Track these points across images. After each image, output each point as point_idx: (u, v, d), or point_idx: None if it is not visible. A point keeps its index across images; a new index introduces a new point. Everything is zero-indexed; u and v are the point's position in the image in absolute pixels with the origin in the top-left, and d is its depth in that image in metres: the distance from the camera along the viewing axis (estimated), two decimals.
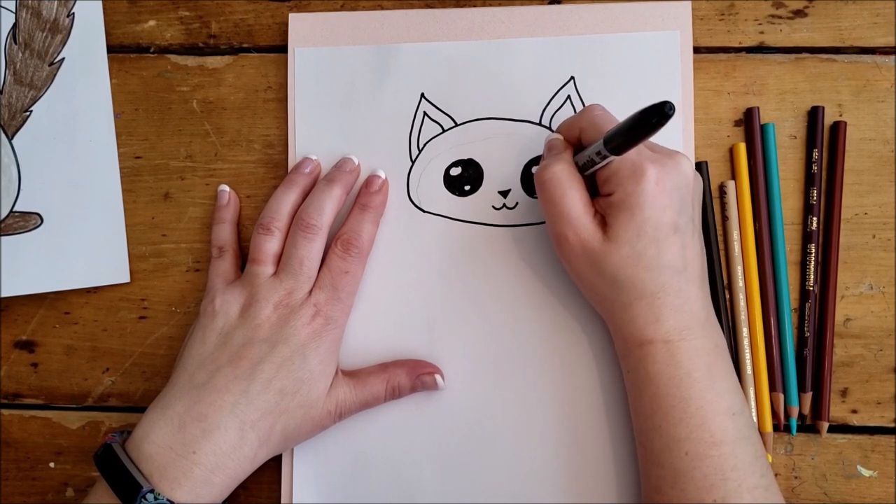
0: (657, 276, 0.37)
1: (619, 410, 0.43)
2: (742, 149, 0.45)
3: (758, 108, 0.45)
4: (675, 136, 0.45)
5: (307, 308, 0.41)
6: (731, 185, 0.45)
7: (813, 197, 0.44)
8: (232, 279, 0.43)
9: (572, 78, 0.46)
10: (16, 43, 0.46)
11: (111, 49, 0.49)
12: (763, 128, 0.45)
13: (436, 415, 0.44)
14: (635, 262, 0.37)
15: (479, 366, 0.44)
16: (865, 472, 0.43)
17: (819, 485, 0.43)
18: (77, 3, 0.47)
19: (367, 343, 0.45)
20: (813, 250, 0.44)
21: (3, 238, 0.46)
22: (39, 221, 0.46)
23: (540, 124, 0.46)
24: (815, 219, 0.44)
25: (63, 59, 0.47)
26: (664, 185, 0.37)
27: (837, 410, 0.43)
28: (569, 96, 0.46)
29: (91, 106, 0.47)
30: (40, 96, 0.47)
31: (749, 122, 0.45)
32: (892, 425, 0.43)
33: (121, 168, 0.48)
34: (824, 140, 0.45)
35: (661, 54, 0.45)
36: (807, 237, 0.44)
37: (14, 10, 0.47)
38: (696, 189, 0.39)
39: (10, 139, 0.46)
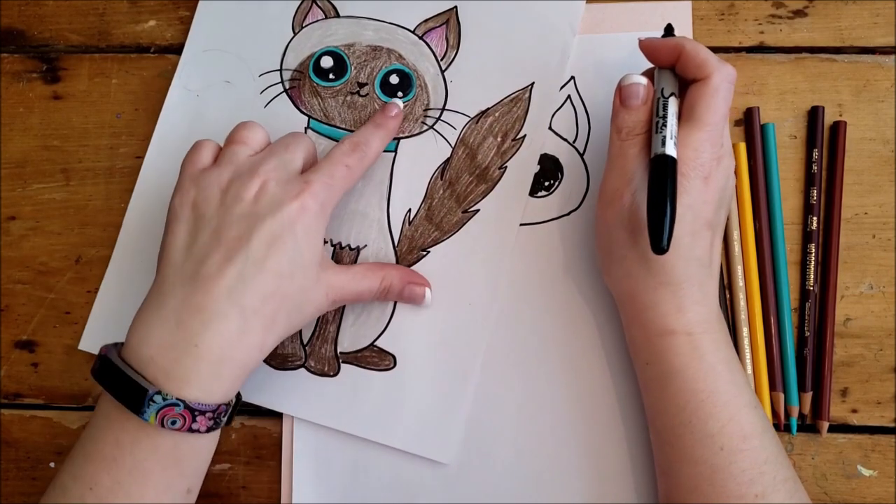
0: (686, 265, 0.37)
1: (624, 409, 0.43)
2: (742, 149, 0.45)
3: (758, 107, 0.45)
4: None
5: (296, 183, 0.38)
6: None
7: (813, 197, 0.44)
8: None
9: (572, 78, 0.46)
10: (442, 179, 0.44)
11: (111, 49, 0.49)
12: (763, 128, 0.45)
13: None
14: (671, 245, 0.36)
15: (483, 364, 0.44)
16: (865, 472, 0.43)
17: (819, 484, 0.43)
18: (513, 159, 0.45)
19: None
20: (813, 250, 0.44)
21: (354, 367, 0.44)
22: (392, 364, 0.44)
23: (551, 129, 0.46)
24: (815, 219, 0.44)
25: (478, 210, 0.44)
26: (711, 183, 0.37)
27: (837, 410, 0.43)
28: (569, 96, 0.46)
29: (486, 267, 0.44)
30: (442, 240, 0.44)
31: (749, 122, 0.45)
32: (892, 425, 0.43)
33: (121, 168, 0.48)
34: (824, 140, 0.45)
35: None
36: (807, 237, 0.44)
37: (452, 145, 0.45)
38: (732, 194, 0.40)
39: None
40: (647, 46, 0.40)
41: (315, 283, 0.38)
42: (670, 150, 0.36)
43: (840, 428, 0.43)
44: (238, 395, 0.38)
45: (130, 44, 0.49)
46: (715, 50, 0.46)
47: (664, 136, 0.36)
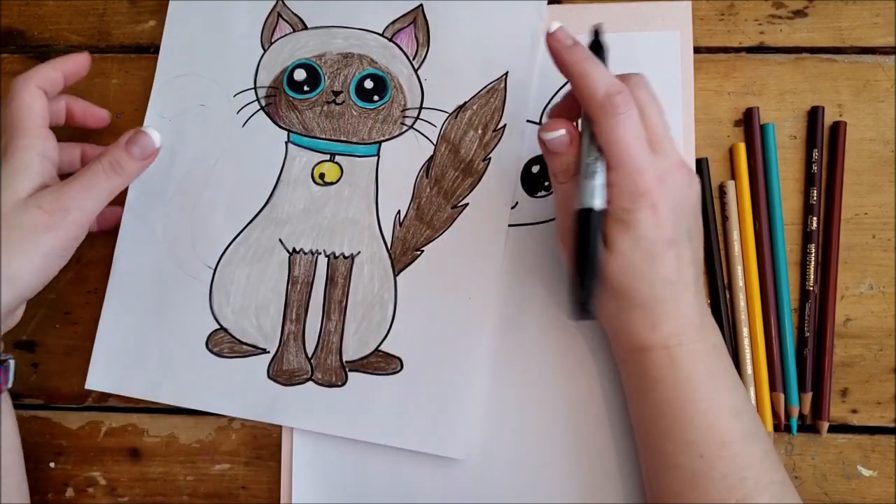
0: (651, 288, 0.36)
1: (620, 411, 0.43)
2: (742, 149, 0.45)
3: (758, 108, 0.45)
4: (675, 136, 0.44)
5: None
6: (730, 185, 0.45)
7: (813, 197, 0.44)
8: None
9: None
10: (427, 177, 0.44)
11: (111, 49, 0.49)
12: (763, 128, 0.45)
13: None
14: (631, 273, 0.36)
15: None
16: (865, 472, 0.43)
17: (819, 485, 0.43)
18: (496, 149, 0.45)
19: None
20: (813, 250, 0.44)
21: (361, 374, 0.44)
22: (399, 367, 0.44)
23: (540, 124, 0.46)
24: (815, 219, 0.44)
25: (467, 204, 0.44)
26: (661, 207, 0.35)
27: (837, 410, 0.43)
28: None
29: (481, 259, 0.44)
30: (435, 238, 0.44)
31: (749, 122, 0.45)
32: (892, 425, 0.43)
33: None
34: (824, 140, 0.45)
35: (661, 54, 0.46)
36: (807, 237, 0.44)
37: (434, 142, 0.45)
38: (696, 196, 0.38)
39: (395, 274, 0.44)
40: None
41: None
42: (598, 201, 0.35)
43: (840, 428, 0.43)
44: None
45: (130, 44, 0.49)
46: (715, 50, 0.46)
47: (594, 186, 0.35)
